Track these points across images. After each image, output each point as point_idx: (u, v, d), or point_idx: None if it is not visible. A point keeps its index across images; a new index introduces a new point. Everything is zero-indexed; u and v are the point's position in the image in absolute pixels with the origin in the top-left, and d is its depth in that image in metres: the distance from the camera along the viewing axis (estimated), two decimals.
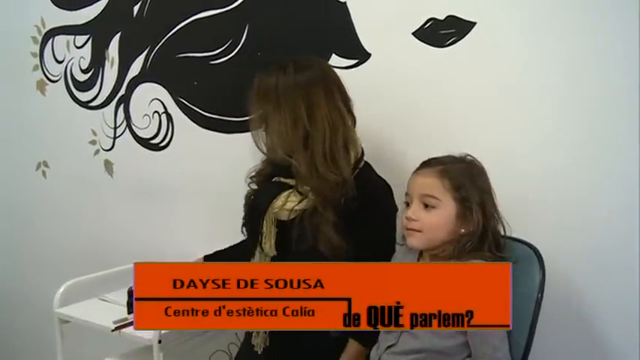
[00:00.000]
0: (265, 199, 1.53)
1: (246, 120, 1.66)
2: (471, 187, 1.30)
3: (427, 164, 1.36)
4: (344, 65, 1.74)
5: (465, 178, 1.31)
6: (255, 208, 1.57)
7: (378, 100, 1.71)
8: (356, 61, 1.73)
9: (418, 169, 1.36)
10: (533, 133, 1.50)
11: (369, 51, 1.71)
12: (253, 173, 1.64)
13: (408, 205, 1.35)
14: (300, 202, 1.49)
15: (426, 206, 1.31)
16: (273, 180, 1.58)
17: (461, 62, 1.57)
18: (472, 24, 1.54)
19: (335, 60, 1.76)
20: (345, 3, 1.73)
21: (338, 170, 1.46)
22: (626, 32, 1.37)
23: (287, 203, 1.50)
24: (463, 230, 1.30)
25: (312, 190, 1.47)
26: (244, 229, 1.65)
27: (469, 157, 1.36)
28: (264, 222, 1.52)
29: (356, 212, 1.46)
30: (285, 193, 1.51)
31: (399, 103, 1.68)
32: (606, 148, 1.42)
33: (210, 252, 1.82)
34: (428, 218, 1.30)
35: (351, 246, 1.45)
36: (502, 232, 1.34)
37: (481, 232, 1.29)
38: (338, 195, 1.45)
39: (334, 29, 1.76)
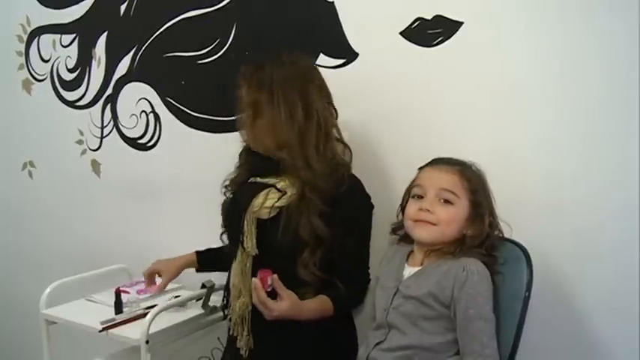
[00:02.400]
0: (245, 199, 1.54)
1: (233, 119, 1.65)
2: (483, 194, 1.33)
3: (443, 161, 1.37)
4: (331, 65, 1.74)
5: (478, 183, 1.34)
6: (234, 209, 1.57)
7: (366, 100, 1.71)
8: (343, 60, 1.73)
9: (434, 164, 1.37)
10: (523, 134, 1.50)
11: (356, 50, 1.71)
12: (227, 182, 1.65)
13: (414, 197, 1.35)
14: (279, 199, 1.50)
15: (444, 201, 1.31)
16: (250, 181, 1.58)
17: (448, 62, 1.57)
18: (459, 24, 1.54)
19: (323, 59, 1.76)
20: (332, 2, 1.73)
21: (329, 162, 1.49)
22: (615, 31, 1.37)
23: (267, 201, 1.50)
24: (469, 232, 1.31)
25: (305, 181, 1.47)
26: (224, 236, 1.66)
27: (475, 165, 1.38)
28: (245, 221, 1.51)
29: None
30: (264, 192, 1.52)
31: (387, 102, 1.68)
32: (598, 149, 1.42)
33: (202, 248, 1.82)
34: (445, 212, 1.31)
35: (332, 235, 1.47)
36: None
37: (485, 236, 1.31)
38: (328, 185, 1.47)
39: (322, 28, 1.76)
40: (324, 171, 1.47)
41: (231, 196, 1.64)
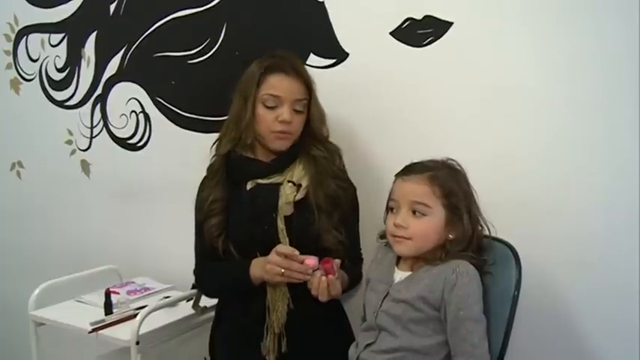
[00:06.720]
0: (272, 200, 1.51)
1: (223, 119, 1.65)
2: (459, 193, 1.31)
3: (413, 170, 1.33)
4: (322, 65, 1.74)
5: (453, 183, 1.31)
6: (264, 211, 1.52)
7: (356, 100, 1.71)
8: (334, 60, 1.73)
9: (404, 174, 1.34)
10: (514, 136, 1.50)
11: (346, 50, 1.71)
12: (209, 203, 1.58)
13: (391, 210, 1.34)
14: (297, 192, 1.51)
15: (415, 213, 1.29)
16: (254, 184, 1.54)
17: (438, 62, 1.57)
18: (449, 24, 1.55)
19: (313, 59, 1.76)
20: (323, 2, 1.73)
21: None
22: (608, 30, 1.38)
23: (288, 197, 1.51)
24: (451, 236, 1.30)
25: (318, 155, 1.56)
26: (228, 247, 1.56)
27: (451, 161, 1.36)
28: (279, 221, 1.50)
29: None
30: (281, 189, 1.52)
31: (377, 102, 1.68)
32: (597, 152, 1.42)
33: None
34: (418, 225, 1.29)
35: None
36: (485, 233, 1.35)
37: (469, 236, 1.30)
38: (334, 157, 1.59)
39: (312, 29, 1.76)
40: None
41: (216, 197, 1.58)
